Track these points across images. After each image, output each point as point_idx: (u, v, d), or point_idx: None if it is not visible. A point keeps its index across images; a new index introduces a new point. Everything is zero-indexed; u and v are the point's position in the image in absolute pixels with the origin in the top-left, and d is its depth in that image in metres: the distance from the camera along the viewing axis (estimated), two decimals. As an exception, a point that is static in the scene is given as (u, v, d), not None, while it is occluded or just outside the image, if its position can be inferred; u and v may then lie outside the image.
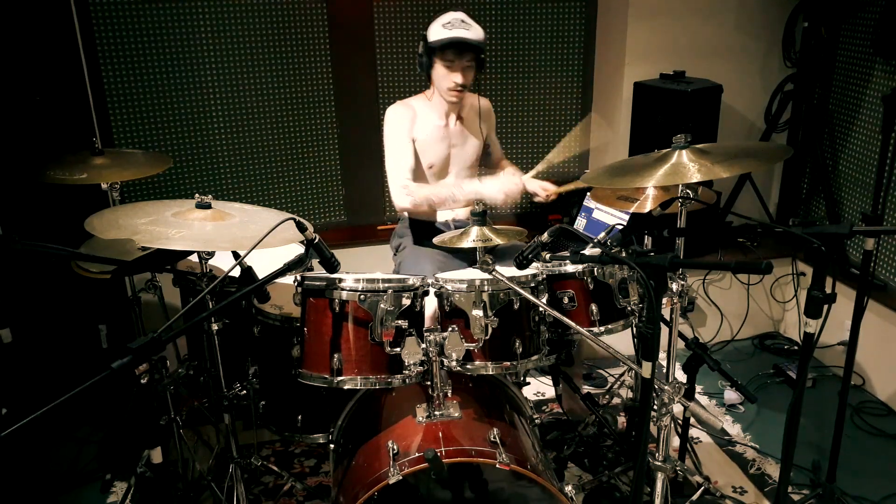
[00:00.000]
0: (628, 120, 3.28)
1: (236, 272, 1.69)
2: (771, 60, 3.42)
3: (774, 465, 2.60)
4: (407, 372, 1.78)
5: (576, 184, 2.42)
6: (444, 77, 2.52)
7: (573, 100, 3.66)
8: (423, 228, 2.70)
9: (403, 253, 2.71)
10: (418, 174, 2.65)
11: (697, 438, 2.76)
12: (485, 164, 2.91)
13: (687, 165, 1.77)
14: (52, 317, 2.83)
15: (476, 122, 2.73)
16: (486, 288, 1.79)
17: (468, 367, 1.82)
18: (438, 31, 2.48)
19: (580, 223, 3.28)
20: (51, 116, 2.74)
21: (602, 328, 1.97)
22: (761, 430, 2.82)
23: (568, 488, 2.12)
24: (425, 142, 2.63)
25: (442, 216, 2.71)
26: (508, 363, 1.83)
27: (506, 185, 2.53)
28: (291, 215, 1.63)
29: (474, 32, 2.48)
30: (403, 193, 2.56)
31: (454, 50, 2.47)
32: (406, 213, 2.76)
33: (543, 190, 2.61)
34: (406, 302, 1.77)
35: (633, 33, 3.27)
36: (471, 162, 2.76)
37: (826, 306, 1.70)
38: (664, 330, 1.90)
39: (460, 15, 2.51)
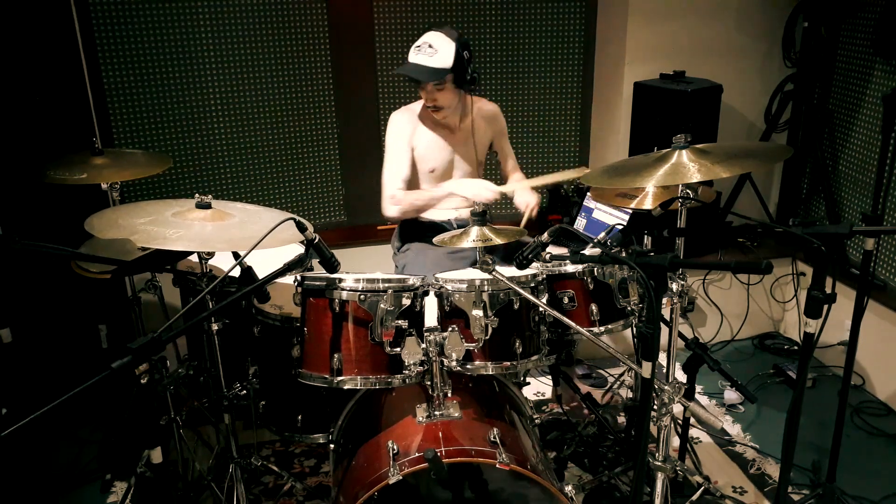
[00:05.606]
0: (628, 120, 3.28)
1: (236, 272, 1.69)
2: (771, 60, 3.42)
3: (774, 465, 2.60)
4: (407, 372, 1.78)
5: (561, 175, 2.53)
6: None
7: (573, 100, 3.66)
8: (413, 230, 2.71)
9: (407, 254, 2.71)
10: (415, 181, 2.65)
11: (697, 438, 2.76)
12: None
13: (687, 165, 1.77)
14: (52, 317, 2.83)
15: (482, 126, 2.73)
16: (486, 288, 1.79)
17: (468, 367, 1.82)
18: (409, 54, 2.47)
19: (580, 223, 3.28)
20: (51, 116, 2.74)
21: (602, 328, 1.98)
22: (761, 430, 2.82)
23: (568, 488, 2.12)
24: (427, 148, 2.63)
25: (443, 215, 2.71)
26: (508, 363, 1.83)
27: (478, 190, 2.51)
28: (291, 215, 1.63)
29: (438, 59, 2.40)
30: (391, 203, 2.60)
31: (411, 78, 2.48)
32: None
33: (527, 207, 2.60)
34: (406, 302, 1.77)
35: (633, 33, 3.27)
36: (474, 166, 2.76)
37: (826, 306, 1.70)
38: (664, 330, 1.90)
39: (434, 37, 2.43)
